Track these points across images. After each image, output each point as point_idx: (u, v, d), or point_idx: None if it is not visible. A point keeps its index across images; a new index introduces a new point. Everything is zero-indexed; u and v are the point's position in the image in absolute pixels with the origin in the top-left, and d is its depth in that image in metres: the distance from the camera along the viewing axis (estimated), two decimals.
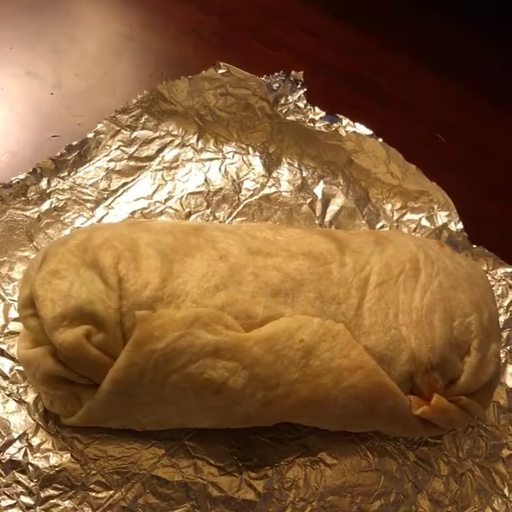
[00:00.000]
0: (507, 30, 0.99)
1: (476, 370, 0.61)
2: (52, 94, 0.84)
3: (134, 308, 0.56)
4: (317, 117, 0.84)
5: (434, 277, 0.63)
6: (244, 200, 0.79)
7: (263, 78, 0.84)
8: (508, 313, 0.75)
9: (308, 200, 0.80)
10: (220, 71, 0.83)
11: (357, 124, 0.82)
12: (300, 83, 0.85)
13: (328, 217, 0.79)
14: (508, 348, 0.73)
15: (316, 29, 0.96)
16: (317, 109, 0.84)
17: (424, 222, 0.80)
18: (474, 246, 0.78)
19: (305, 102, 0.84)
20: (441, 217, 0.80)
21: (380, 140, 0.82)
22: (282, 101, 0.84)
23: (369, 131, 0.82)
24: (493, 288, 0.74)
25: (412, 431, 0.63)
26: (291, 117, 0.84)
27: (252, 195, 0.79)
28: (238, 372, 0.57)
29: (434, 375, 0.60)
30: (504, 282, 0.77)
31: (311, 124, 0.83)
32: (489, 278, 0.75)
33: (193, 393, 0.57)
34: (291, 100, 0.84)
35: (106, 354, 0.57)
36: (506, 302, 0.76)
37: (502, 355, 0.72)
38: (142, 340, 0.55)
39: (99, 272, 0.58)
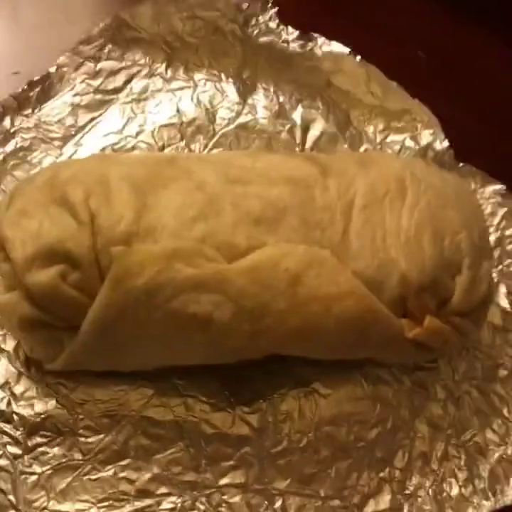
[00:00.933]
0: None
1: (468, 289, 0.59)
2: (9, 28, 0.79)
3: (108, 244, 0.54)
4: (290, 37, 0.79)
5: (421, 196, 0.60)
6: (219, 130, 0.75)
7: None
8: (499, 232, 0.73)
9: (287, 127, 0.76)
10: None
11: (333, 43, 0.78)
12: (270, 1, 0.80)
13: (308, 144, 0.75)
14: (500, 267, 0.71)
15: None
16: (290, 29, 0.79)
17: (409, 143, 0.76)
18: (461, 164, 0.75)
19: (277, 21, 0.80)
20: (426, 136, 0.76)
21: (359, 58, 0.78)
22: (253, 22, 0.80)
23: (347, 50, 0.78)
24: (483, 207, 0.71)
25: (407, 355, 0.62)
26: (263, 39, 0.79)
27: (227, 124, 0.75)
28: (223, 305, 0.54)
29: (426, 296, 0.58)
30: (493, 200, 0.74)
31: (285, 45, 0.79)
32: (478, 197, 0.73)
33: (177, 329, 0.55)
34: (262, 20, 0.80)
35: (84, 294, 0.54)
36: (496, 220, 0.73)
37: (494, 275, 0.70)
38: (120, 278, 0.53)
39: (69, 208, 0.55)
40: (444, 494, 0.61)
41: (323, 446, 0.62)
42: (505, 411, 0.65)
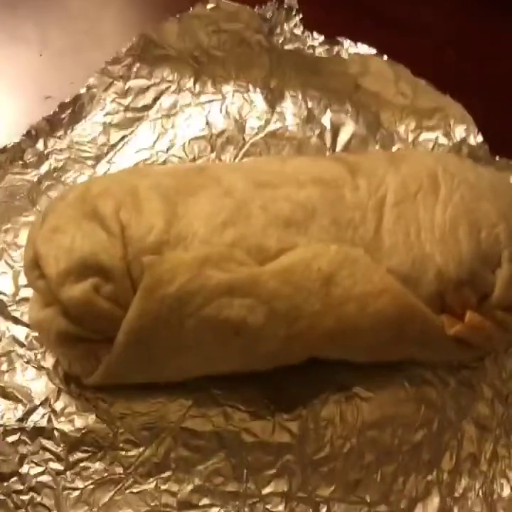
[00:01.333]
0: None
1: (510, 281, 0.57)
2: (40, 55, 0.81)
3: (140, 254, 0.54)
4: (316, 43, 0.79)
5: (454, 191, 0.59)
6: (249, 140, 0.75)
7: (255, 9, 0.80)
8: None
9: (317, 132, 0.75)
10: (209, 6, 0.78)
11: (359, 45, 0.78)
12: (295, 9, 0.80)
13: (339, 147, 0.75)
14: None
15: None
16: (315, 35, 0.79)
17: (442, 140, 0.75)
18: (497, 158, 0.74)
19: (302, 28, 0.79)
20: (459, 132, 0.75)
21: (385, 58, 0.77)
22: (278, 30, 0.80)
23: (373, 50, 0.77)
24: None
25: (449, 354, 0.60)
26: (289, 46, 0.79)
27: (257, 134, 0.75)
28: (256, 308, 0.54)
29: (465, 291, 0.56)
30: None
31: (311, 51, 0.79)
32: None
33: (212, 336, 0.55)
34: (287, 28, 0.80)
35: (117, 305, 0.54)
36: None
37: None
38: (153, 286, 0.53)
39: (100, 221, 0.55)
40: (495, 495, 0.59)
41: (367, 451, 0.60)
42: None
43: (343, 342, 0.56)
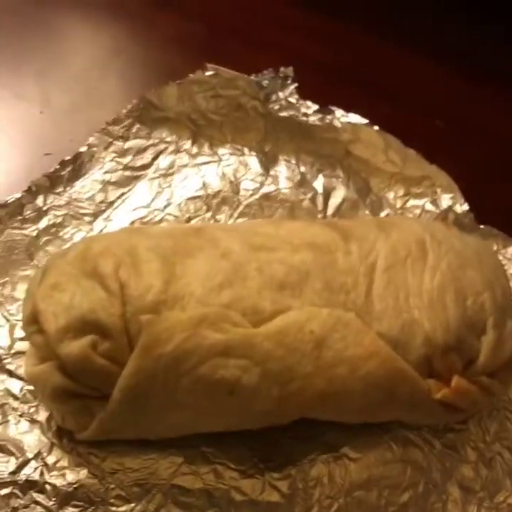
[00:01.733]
0: (497, 10, 0.98)
1: (494, 348, 0.59)
2: (41, 113, 0.83)
3: (138, 313, 0.55)
4: (310, 111, 0.82)
5: (442, 258, 0.61)
6: (244, 201, 0.77)
7: (252, 77, 0.83)
8: None
9: (309, 195, 0.78)
10: (207, 73, 0.82)
11: (351, 114, 0.81)
12: (290, 79, 0.84)
13: (330, 211, 0.78)
14: None
15: (302, 27, 0.95)
16: (309, 103, 0.82)
17: (429, 207, 0.78)
18: (482, 226, 0.76)
19: (296, 96, 0.83)
20: (446, 200, 0.78)
21: (376, 128, 0.80)
22: (273, 98, 0.83)
23: (364, 120, 0.81)
24: (505, 267, 0.72)
25: (435, 417, 0.61)
26: (283, 113, 0.82)
27: (251, 195, 0.78)
28: (250, 369, 0.55)
29: (452, 356, 0.58)
30: None
31: (305, 118, 0.82)
32: (500, 257, 0.73)
33: (206, 395, 0.56)
34: (282, 96, 0.83)
35: (114, 363, 0.55)
36: None
37: None
38: (149, 345, 0.54)
39: (100, 280, 0.56)
40: None
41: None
42: None
43: (334, 403, 0.57)
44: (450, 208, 0.78)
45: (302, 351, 0.56)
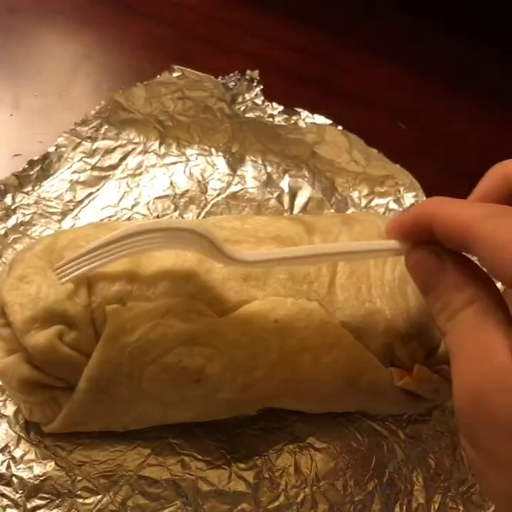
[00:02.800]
0: (458, 13, 1.01)
1: None
2: (11, 115, 0.84)
3: (103, 303, 0.56)
4: (275, 112, 0.84)
5: None
6: (211, 200, 0.78)
7: (219, 79, 0.85)
8: None
9: (276, 194, 0.80)
10: (174, 74, 0.83)
11: (316, 115, 0.83)
12: (256, 81, 0.85)
13: (296, 209, 0.79)
14: None
15: (268, 33, 0.97)
16: (275, 105, 0.84)
17: (392, 205, 0.80)
18: None
19: (262, 98, 0.85)
20: (409, 198, 0.80)
21: (340, 128, 0.82)
22: (239, 99, 0.85)
23: (328, 121, 0.83)
24: None
25: (398, 405, 0.62)
26: (250, 114, 0.84)
27: (218, 194, 0.79)
28: (215, 357, 0.56)
29: (413, 345, 0.59)
30: (475, 258, 0.77)
31: (271, 119, 0.83)
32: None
33: (171, 384, 0.56)
34: (248, 98, 0.85)
35: (80, 353, 0.56)
36: None
37: None
38: (114, 335, 0.55)
39: None
40: None
41: (321, 501, 0.62)
42: None
43: (298, 391, 0.58)
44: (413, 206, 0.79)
45: (266, 339, 0.57)
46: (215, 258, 0.54)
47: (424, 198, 0.79)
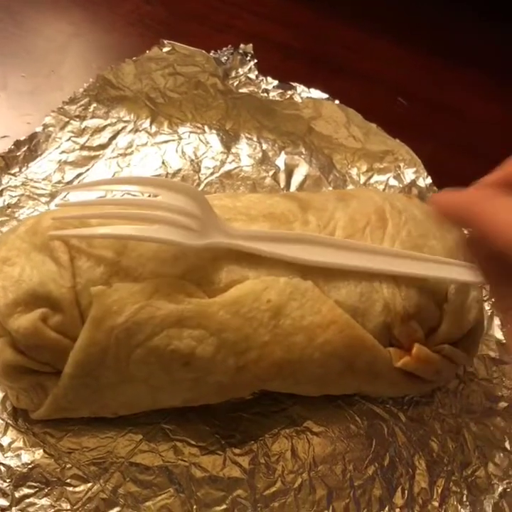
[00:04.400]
0: None
1: (456, 316, 0.58)
2: None
3: (88, 285, 0.54)
4: (270, 87, 0.81)
5: (402, 227, 0.60)
6: (205, 179, 0.76)
7: (211, 53, 0.82)
8: None
9: (271, 173, 0.77)
10: (164, 49, 0.81)
11: (312, 90, 0.80)
12: (249, 55, 0.83)
13: (293, 188, 0.77)
14: (493, 299, 0.71)
15: (262, 9, 0.94)
16: (269, 79, 0.82)
17: (392, 182, 0.77)
18: None
19: (256, 73, 0.82)
20: (409, 175, 0.77)
21: (337, 102, 0.80)
22: (233, 74, 0.82)
23: (325, 95, 0.80)
24: None
25: (398, 387, 0.60)
26: (243, 90, 0.81)
27: (212, 173, 0.76)
28: (205, 339, 0.54)
29: (413, 324, 0.57)
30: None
31: (265, 94, 0.81)
32: (465, 231, 0.73)
33: (160, 367, 0.54)
34: (241, 72, 0.82)
35: (65, 336, 0.54)
36: None
37: (487, 308, 0.70)
38: (100, 317, 0.53)
39: (50, 252, 0.55)
40: None
41: (319, 486, 0.60)
42: (506, 444, 0.64)
43: (292, 373, 0.56)
44: (413, 183, 0.77)
45: (259, 320, 0.55)
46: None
47: (425, 174, 0.77)
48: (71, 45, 0.88)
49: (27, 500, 0.57)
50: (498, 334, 0.69)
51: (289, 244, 0.57)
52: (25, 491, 0.57)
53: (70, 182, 0.74)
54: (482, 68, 0.92)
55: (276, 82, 0.81)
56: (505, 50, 0.94)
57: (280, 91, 0.81)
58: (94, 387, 0.55)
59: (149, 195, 0.72)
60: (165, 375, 0.55)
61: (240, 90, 0.82)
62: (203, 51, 0.81)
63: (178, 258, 0.56)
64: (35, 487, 0.58)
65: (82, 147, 0.77)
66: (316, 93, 0.81)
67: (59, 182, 0.74)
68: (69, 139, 0.77)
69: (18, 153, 0.75)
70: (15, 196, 0.73)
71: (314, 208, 0.61)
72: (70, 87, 0.82)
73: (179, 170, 0.76)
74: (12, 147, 0.75)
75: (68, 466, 0.59)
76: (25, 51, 0.87)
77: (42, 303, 0.54)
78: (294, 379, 0.57)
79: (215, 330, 0.54)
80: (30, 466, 0.58)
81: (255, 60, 0.82)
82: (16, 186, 0.73)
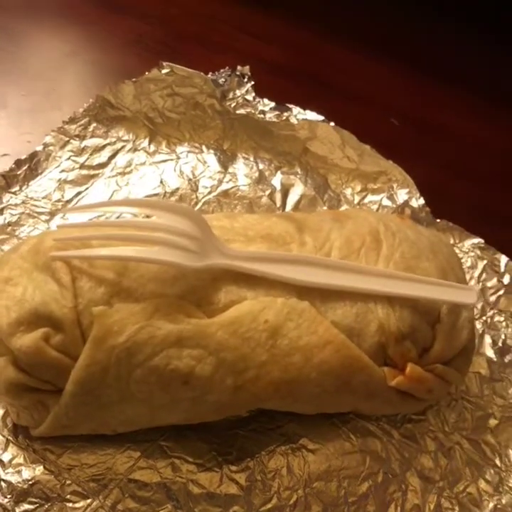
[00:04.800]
0: (450, 10, 1.01)
1: (449, 336, 0.60)
2: None
3: (90, 305, 0.55)
4: (267, 108, 0.83)
5: (396, 248, 0.62)
6: (202, 198, 0.77)
7: (209, 75, 0.84)
8: (480, 284, 0.75)
9: (268, 192, 0.79)
10: (163, 71, 0.83)
11: (308, 112, 0.82)
12: (246, 77, 0.84)
13: (288, 207, 0.78)
14: (484, 318, 0.72)
15: (260, 31, 0.96)
16: (266, 101, 0.83)
17: (386, 202, 0.79)
18: (438, 220, 0.78)
19: (253, 94, 0.84)
20: (402, 195, 0.79)
21: (332, 124, 0.81)
22: (230, 96, 0.84)
23: (321, 117, 0.82)
24: (462, 260, 0.73)
25: (392, 405, 0.62)
26: (241, 111, 0.83)
27: (210, 192, 0.78)
28: (204, 359, 0.55)
29: (406, 344, 0.59)
30: (472, 253, 0.76)
31: (262, 116, 0.83)
32: (457, 251, 0.74)
33: (160, 386, 0.56)
34: (239, 94, 0.84)
35: (67, 355, 0.55)
36: (477, 273, 0.75)
37: (478, 326, 0.71)
38: (102, 337, 0.54)
39: (52, 273, 0.56)
40: None
41: (314, 503, 0.61)
42: (497, 460, 0.65)
43: (290, 392, 0.57)
44: (406, 203, 0.79)
45: (257, 340, 0.56)
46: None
47: (418, 194, 0.78)
48: (68, 64, 0.90)
49: None
50: (489, 352, 0.71)
51: (286, 265, 0.58)
52: (26, 506, 0.58)
53: (70, 200, 0.76)
54: (473, 89, 0.94)
55: (272, 104, 0.83)
56: (495, 72, 0.97)
57: (276, 112, 0.83)
58: (94, 405, 0.56)
59: (147, 216, 0.74)
60: (165, 394, 0.56)
61: (237, 111, 0.83)
62: (201, 73, 0.83)
63: (177, 279, 0.57)
64: (36, 503, 0.59)
65: (82, 166, 0.78)
66: (312, 115, 0.82)
67: (59, 200, 0.76)
68: (69, 158, 0.78)
69: (18, 172, 0.76)
70: (15, 214, 0.74)
71: (310, 228, 0.63)
72: (69, 106, 0.84)
73: (177, 189, 0.78)
74: (13, 166, 0.76)
75: (68, 482, 0.60)
76: (22, 70, 0.89)
77: (44, 322, 0.55)
78: (292, 398, 0.58)
79: (213, 349, 0.55)
80: (30, 482, 0.59)
81: (252, 82, 0.84)
82: (16, 204, 0.74)
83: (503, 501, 0.63)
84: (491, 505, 0.63)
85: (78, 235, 0.58)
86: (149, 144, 0.81)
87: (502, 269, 0.75)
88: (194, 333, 0.55)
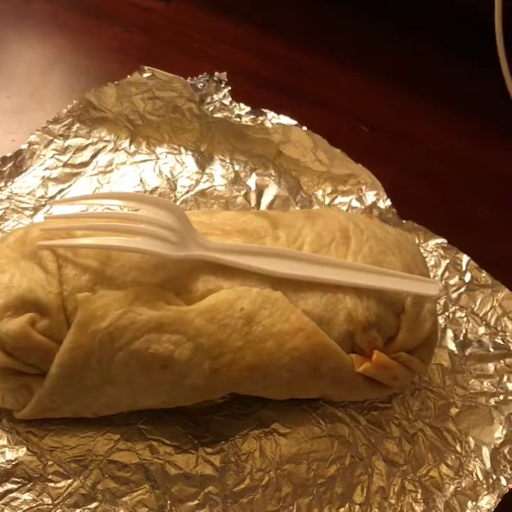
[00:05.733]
0: (414, 20, 1.06)
1: (412, 326, 0.63)
2: None
3: (74, 291, 0.58)
4: (243, 112, 0.86)
5: (364, 244, 0.65)
6: (180, 197, 0.81)
7: (188, 80, 0.87)
8: (443, 281, 0.78)
9: (243, 192, 0.82)
10: (145, 75, 0.86)
11: (281, 116, 0.86)
12: (224, 82, 0.88)
13: (263, 207, 0.82)
14: (446, 313, 0.76)
15: (235, 39, 1.00)
16: (242, 105, 0.87)
17: (355, 203, 0.83)
18: (404, 221, 0.82)
19: (230, 99, 0.87)
20: (370, 197, 0.83)
21: (305, 128, 0.85)
22: (208, 100, 0.87)
23: (294, 122, 0.85)
24: (427, 259, 0.76)
25: (359, 391, 0.65)
26: (218, 115, 0.86)
27: (187, 192, 0.81)
28: (183, 344, 0.58)
29: (373, 332, 0.62)
30: (436, 253, 0.80)
31: (238, 120, 0.86)
32: (422, 250, 0.78)
33: (140, 370, 0.58)
34: (216, 98, 0.87)
35: (52, 340, 0.58)
36: (440, 271, 0.79)
37: (441, 321, 0.75)
38: (85, 321, 0.57)
39: (39, 261, 0.59)
40: None
41: (285, 484, 0.64)
42: (458, 447, 0.68)
43: (263, 376, 0.61)
44: (374, 204, 0.82)
45: (233, 327, 0.59)
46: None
47: (385, 197, 0.82)
48: (53, 68, 0.93)
49: (10, 495, 0.60)
50: (451, 346, 0.74)
51: (260, 258, 0.62)
52: (9, 486, 0.60)
53: (53, 197, 0.78)
54: (442, 99, 0.98)
55: (248, 109, 0.87)
56: (465, 83, 1.02)
57: (252, 116, 0.86)
58: (77, 388, 0.59)
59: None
60: (144, 378, 0.59)
61: (215, 115, 0.87)
62: (181, 78, 0.86)
63: (158, 268, 0.60)
64: (19, 483, 0.61)
65: (65, 164, 0.81)
66: (286, 119, 0.86)
67: (42, 196, 0.78)
68: (52, 157, 0.81)
69: (4, 169, 0.79)
70: (0, 209, 0.76)
71: (284, 225, 0.66)
72: (52, 107, 0.87)
73: (156, 188, 0.81)
74: None
75: (50, 463, 0.62)
76: (8, 73, 0.92)
77: (30, 308, 0.57)
78: (265, 382, 0.62)
79: (191, 335, 0.58)
80: (13, 463, 0.61)
81: (229, 87, 0.88)
82: (1, 200, 0.77)
83: (463, 484, 0.66)
84: (452, 488, 0.66)
85: (64, 226, 0.61)
86: (130, 145, 0.84)
87: (463, 268, 0.79)
88: (173, 320, 0.58)
